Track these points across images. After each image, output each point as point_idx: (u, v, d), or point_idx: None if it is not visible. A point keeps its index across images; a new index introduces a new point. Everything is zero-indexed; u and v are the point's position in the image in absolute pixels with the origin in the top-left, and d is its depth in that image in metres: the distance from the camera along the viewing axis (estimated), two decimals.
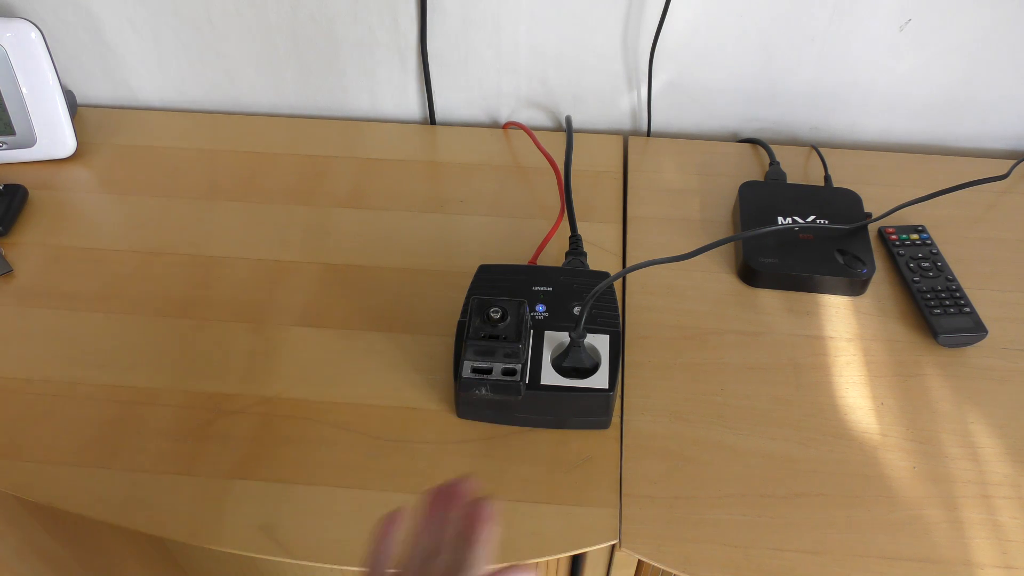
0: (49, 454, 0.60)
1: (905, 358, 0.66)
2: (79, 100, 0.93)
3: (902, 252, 0.73)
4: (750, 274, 0.71)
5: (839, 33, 0.81)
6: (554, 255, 0.74)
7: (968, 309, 0.67)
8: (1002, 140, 0.88)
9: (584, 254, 0.72)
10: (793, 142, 0.90)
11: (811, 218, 0.73)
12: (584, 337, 0.59)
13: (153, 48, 0.89)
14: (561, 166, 0.81)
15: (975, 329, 0.66)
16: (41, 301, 0.70)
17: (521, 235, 0.76)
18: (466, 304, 0.61)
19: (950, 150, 0.89)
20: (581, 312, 0.57)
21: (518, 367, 0.57)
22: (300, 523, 0.56)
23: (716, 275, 0.72)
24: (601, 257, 0.74)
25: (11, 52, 0.78)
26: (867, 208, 0.76)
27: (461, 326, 0.60)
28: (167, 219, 0.78)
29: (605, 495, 0.57)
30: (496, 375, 0.57)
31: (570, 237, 0.73)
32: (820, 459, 0.59)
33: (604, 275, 0.66)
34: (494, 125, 0.92)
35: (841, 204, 0.75)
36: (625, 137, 0.89)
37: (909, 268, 0.71)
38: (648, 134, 0.91)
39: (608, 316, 0.62)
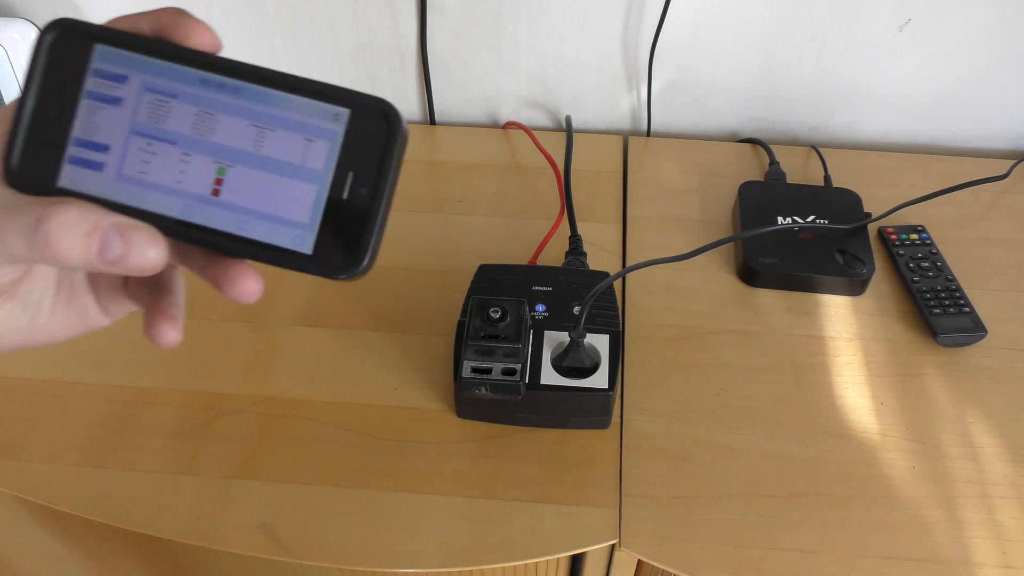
0: (49, 454, 0.60)
1: (905, 358, 0.66)
2: None
3: (902, 252, 0.73)
4: (750, 274, 0.71)
5: (839, 33, 0.81)
6: (554, 255, 0.74)
7: (968, 309, 0.67)
8: (1002, 140, 0.88)
9: (584, 254, 0.72)
10: (793, 142, 0.90)
11: (811, 218, 0.73)
12: (584, 337, 0.59)
13: None
14: (561, 166, 0.81)
15: (975, 329, 0.66)
16: None
17: (521, 235, 0.76)
18: (466, 304, 0.61)
19: (950, 150, 0.89)
20: (581, 312, 0.57)
21: (518, 367, 0.57)
22: (300, 523, 0.56)
23: (716, 275, 0.72)
24: (601, 257, 0.74)
25: (11, 52, 0.78)
26: (867, 208, 0.76)
27: (461, 326, 0.60)
28: None
29: (605, 495, 0.57)
30: (496, 375, 0.57)
31: (570, 237, 0.73)
32: (820, 459, 0.59)
33: (604, 275, 0.66)
34: (494, 125, 0.93)
35: (841, 204, 0.75)
36: (625, 137, 0.89)
37: (909, 268, 0.71)
38: (648, 134, 0.91)
39: (608, 316, 0.62)
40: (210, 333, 0.67)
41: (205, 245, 0.29)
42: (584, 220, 0.77)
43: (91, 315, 0.34)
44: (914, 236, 0.74)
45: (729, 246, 0.75)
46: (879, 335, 0.67)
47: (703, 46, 0.83)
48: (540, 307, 0.62)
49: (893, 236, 0.74)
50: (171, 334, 0.31)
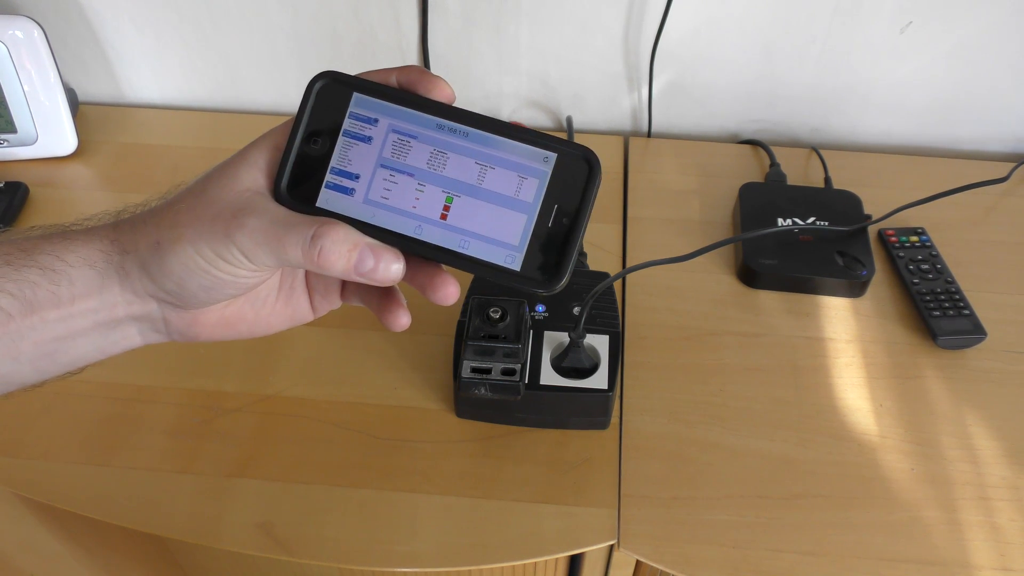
0: (48, 452, 0.60)
1: (904, 360, 0.66)
2: (80, 98, 0.93)
3: (902, 254, 0.73)
4: (750, 275, 0.71)
5: (840, 35, 0.81)
6: None
7: (967, 311, 0.67)
8: (1002, 143, 0.88)
9: (584, 254, 0.72)
10: (793, 143, 0.90)
11: (811, 220, 0.73)
12: (584, 337, 0.59)
13: (155, 46, 0.89)
14: None
15: (974, 331, 0.66)
16: None
17: None
18: (466, 304, 0.61)
19: (950, 152, 0.89)
20: (581, 312, 0.57)
21: (517, 367, 0.57)
22: (299, 522, 0.56)
23: (716, 276, 0.72)
24: (601, 257, 0.74)
25: (12, 50, 0.78)
26: (867, 210, 0.76)
27: (461, 326, 0.60)
28: None
29: (604, 495, 0.57)
30: (495, 375, 0.57)
31: None
32: (819, 460, 0.59)
33: (604, 275, 0.66)
34: None
35: (841, 206, 0.75)
36: (626, 138, 0.89)
37: (908, 270, 0.71)
38: (649, 135, 0.91)
39: (608, 316, 0.62)
40: None
41: (430, 258, 0.35)
42: None
43: (302, 311, 0.40)
44: (914, 238, 0.74)
45: (729, 247, 0.75)
46: (879, 337, 0.67)
47: (704, 47, 0.83)
48: (540, 307, 0.62)
49: (893, 238, 0.74)
50: (405, 318, 0.38)
